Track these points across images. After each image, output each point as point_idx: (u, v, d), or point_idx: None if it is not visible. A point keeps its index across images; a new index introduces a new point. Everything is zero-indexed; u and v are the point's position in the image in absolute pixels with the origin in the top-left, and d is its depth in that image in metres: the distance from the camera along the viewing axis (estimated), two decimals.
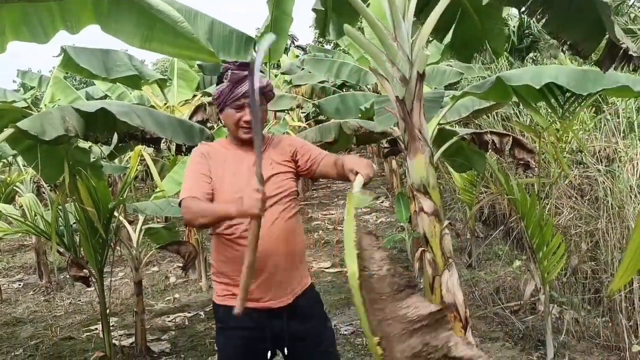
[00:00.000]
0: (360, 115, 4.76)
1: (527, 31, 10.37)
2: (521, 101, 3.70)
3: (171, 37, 2.76)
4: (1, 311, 6.03)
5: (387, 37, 2.51)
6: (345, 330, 4.48)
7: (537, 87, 3.17)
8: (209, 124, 5.86)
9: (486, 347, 3.88)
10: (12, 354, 4.73)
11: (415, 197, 2.55)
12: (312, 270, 6.49)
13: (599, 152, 5.08)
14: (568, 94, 3.46)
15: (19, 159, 6.54)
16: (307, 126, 9.71)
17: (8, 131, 2.76)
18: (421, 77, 2.49)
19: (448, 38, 3.72)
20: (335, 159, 2.18)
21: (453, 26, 3.36)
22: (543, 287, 3.33)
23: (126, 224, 4.55)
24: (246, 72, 2.08)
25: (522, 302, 4.13)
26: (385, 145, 6.44)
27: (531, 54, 10.46)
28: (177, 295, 6.08)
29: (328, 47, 18.21)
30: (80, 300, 6.24)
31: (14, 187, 6.41)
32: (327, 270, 6.49)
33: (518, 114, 7.40)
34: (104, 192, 3.51)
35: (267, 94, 2.18)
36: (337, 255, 7.07)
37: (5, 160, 7.40)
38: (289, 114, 8.64)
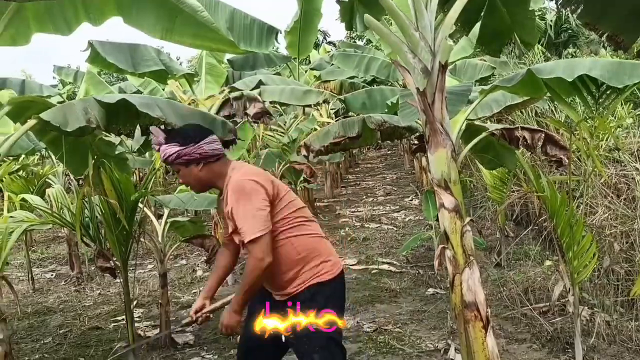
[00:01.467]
0: (387, 110, 4.69)
1: (564, 25, 10.09)
2: (553, 95, 3.56)
3: (192, 28, 2.75)
4: (33, 300, 6.17)
5: (409, 26, 2.44)
6: (368, 328, 4.43)
7: (570, 80, 3.05)
8: (235, 119, 5.87)
9: (512, 348, 3.77)
10: (42, 342, 4.82)
11: (436, 192, 2.47)
12: None
13: (638, 150, 4.89)
14: (603, 88, 3.32)
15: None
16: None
17: (31, 122, 2.80)
18: (443, 68, 2.41)
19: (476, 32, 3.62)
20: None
21: (480, 18, 3.26)
22: (572, 288, 3.21)
23: (152, 216, 4.58)
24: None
25: (550, 303, 4.00)
26: (414, 141, 6.37)
27: (569, 50, 10.17)
28: (202, 289, 6.09)
29: (360, 43, 18.09)
30: (109, 291, 6.34)
31: (47, 180, 6.54)
32: (352, 267, 6.43)
33: (553, 110, 7.20)
34: (127, 185, 3.53)
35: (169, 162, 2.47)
36: (364, 253, 7.01)
37: (39, 153, 7.58)
38: (317, 109, 8.59)
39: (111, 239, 3.79)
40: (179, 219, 5.07)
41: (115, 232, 3.71)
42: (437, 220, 6.05)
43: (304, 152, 3.75)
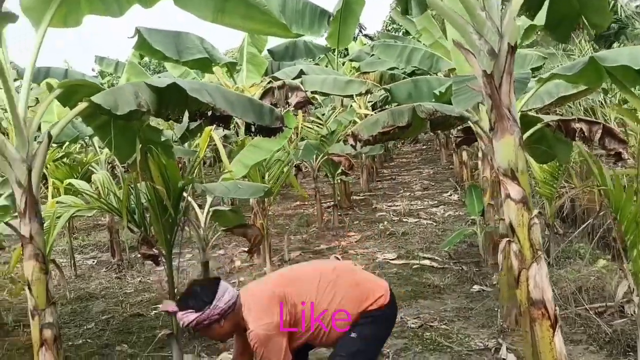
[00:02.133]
0: (434, 100, 4.53)
1: (614, 16, 9.70)
2: (616, 84, 3.37)
3: (243, 9, 2.67)
4: (76, 286, 6.24)
5: (475, 6, 2.31)
6: (413, 324, 4.30)
7: (636, 68, 2.86)
8: (277, 108, 5.80)
9: (568, 349, 3.59)
10: (85, 327, 4.86)
11: (502, 182, 2.33)
12: (376, 261, 6.34)
13: None
14: None
15: (95, 139, 6.72)
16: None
17: (82, 105, 2.77)
18: (512, 49, 2.27)
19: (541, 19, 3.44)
20: None
21: (546, 3, 3.08)
22: (637, 288, 3.03)
23: (194, 205, 4.55)
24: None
25: (608, 303, 3.81)
26: (458, 134, 6.19)
27: (619, 41, 9.78)
28: (242, 279, 6.08)
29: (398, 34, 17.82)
30: (149, 279, 6.37)
31: (90, 167, 6.60)
32: (392, 261, 6.31)
33: (604, 103, 6.92)
34: (174, 171, 3.50)
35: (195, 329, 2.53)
36: (403, 247, 6.87)
37: (82, 142, 7.67)
38: (355, 101, 8.47)
39: (156, 226, 3.77)
40: (220, 208, 5.04)
41: (161, 218, 3.68)
42: (482, 215, 5.91)
43: (351, 141, 3.63)
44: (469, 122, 4.29)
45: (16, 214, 5.00)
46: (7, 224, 2.86)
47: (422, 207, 9.66)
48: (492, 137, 2.36)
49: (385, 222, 8.22)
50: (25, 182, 2.53)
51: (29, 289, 2.53)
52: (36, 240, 2.53)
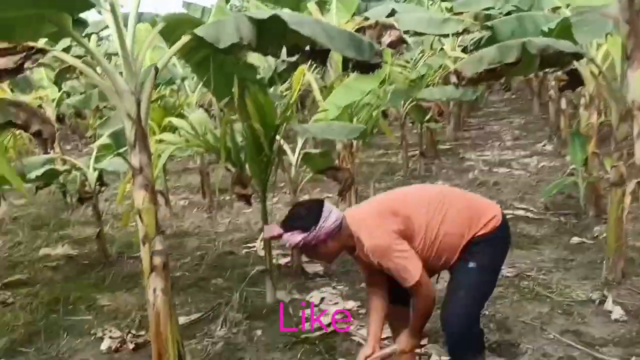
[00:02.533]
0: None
1: None
2: None
3: None
4: (171, 224, 6.53)
5: None
6: (509, 273, 4.16)
7: None
8: None
9: None
10: (182, 261, 5.09)
11: (635, 118, 2.12)
12: None
13: None
14: None
15: (187, 82, 6.87)
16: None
17: (185, 38, 2.77)
18: None
19: None
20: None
21: None
22: None
23: (286, 147, 4.55)
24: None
25: None
26: (563, 77, 5.77)
27: None
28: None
29: None
30: (238, 220, 6.56)
31: (182, 111, 6.76)
32: None
33: None
34: (270, 109, 3.49)
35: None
36: (495, 197, 6.62)
37: (174, 86, 7.87)
38: (446, 44, 8.07)
39: (252, 164, 3.81)
40: (311, 151, 5.03)
41: (257, 158, 3.71)
42: (585, 165, 5.55)
43: (453, 79, 3.45)
44: (576, 64, 3.99)
45: (117, 151, 5.26)
46: (120, 154, 2.96)
47: (513, 157, 9.25)
48: (628, 67, 2.13)
49: (476, 172, 7.95)
50: (135, 114, 2.59)
51: (140, 218, 2.63)
52: (145, 172, 2.61)
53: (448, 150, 10.36)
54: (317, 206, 2.44)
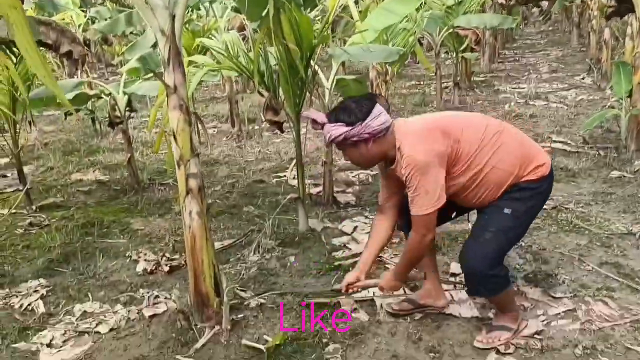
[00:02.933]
0: None
1: None
2: None
3: None
4: (201, 152, 6.50)
5: None
6: (546, 205, 4.04)
7: None
8: None
9: None
10: (213, 189, 5.09)
11: None
12: None
13: None
14: None
15: (215, 6, 6.66)
16: None
17: None
18: None
19: None
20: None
21: None
22: None
23: (320, 71, 4.41)
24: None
25: None
26: (611, 3, 5.43)
27: None
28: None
29: None
30: (268, 149, 6.51)
31: (210, 36, 6.60)
32: None
33: None
34: (307, 27, 3.32)
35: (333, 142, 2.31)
36: (531, 130, 6.42)
37: (200, 11, 7.66)
38: None
39: (285, 89, 3.70)
40: (345, 77, 4.88)
41: (291, 81, 3.59)
42: (629, 96, 5.30)
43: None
44: None
45: (146, 76, 5.17)
46: (154, 73, 2.87)
47: (550, 90, 8.93)
48: None
49: (512, 104, 7.69)
50: (169, 30, 2.48)
51: (175, 139, 2.57)
52: (180, 91, 2.53)
53: (483, 82, 10.04)
54: (368, 103, 2.27)
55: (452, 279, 3.06)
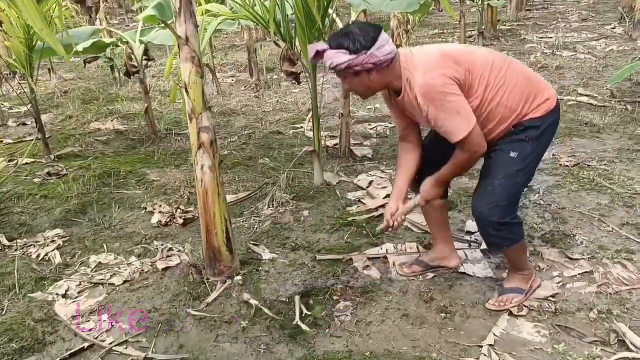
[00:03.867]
0: None
1: None
2: None
3: None
4: (219, 102, 6.46)
5: None
6: (567, 162, 3.96)
7: None
8: None
9: None
10: (229, 139, 5.06)
11: None
12: None
13: None
14: None
15: None
16: None
17: None
18: None
19: None
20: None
21: None
22: None
23: (338, 20, 4.27)
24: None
25: None
26: None
27: None
28: (377, 105, 5.92)
29: None
30: (286, 99, 6.42)
31: None
32: None
33: None
34: None
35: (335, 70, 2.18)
36: (557, 82, 6.22)
37: None
38: None
39: (302, 38, 3.59)
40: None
41: (308, 31, 3.47)
42: None
43: None
44: None
45: (162, 25, 5.06)
46: (165, 23, 2.79)
47: (579, 39, 8.59)
48: None
49: (538, 54, 7.43)
50: None
51: (186, 91, 2.52)
52: (192, 42, 2.46)
53: (508, 31, 9.69)
54: (373, 30, 2.12)
55: (467, 237, 3.02)
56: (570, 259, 2.74)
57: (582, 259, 2.73)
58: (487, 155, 2.31)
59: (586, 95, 5.58)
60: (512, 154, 2.24)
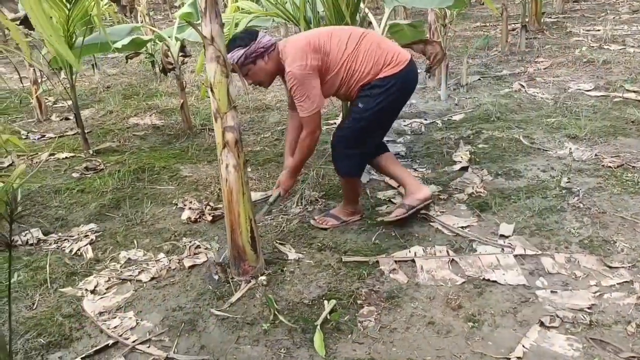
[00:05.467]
0: None
1: None
2: None
3: None
4: (254, 97, 6.47)
5: None
6: (610, 162, 3.77)
7: None
8: None
9: None
10: (262, 135, 5.06)
11: None
12: (568, 91, 5.62)
13: None
14: None
15: None
16: None
17: None
18: None
19: None
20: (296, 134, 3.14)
21: None
22: None
23: (371, 17, 4.19)
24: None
25: None
26: None
27: None
28: (413, 101, 5.81)
29: None
30: None
31: None
32: (588, 93, 5.53)
33: None
34: None
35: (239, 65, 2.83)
36: (603, 78, 5.96)
37: None
38: None
39: None
40: (399, 21, 4.62)
41: None
42: None
43: None
44: None
45: (198, 21, 5.10)
46: (189, 22, 2.80)
47: (629, 32, 8.22)
48: None
49: (584, 48, 7.14)
50: None
51: (212, 91, 2.51)
52: (217, 42, 2.44)
53: (554, 24, 9.37)
54: (252, 30, 2.92)
55: (500, 241, 2.91)
56: (609, 267, 2.61)
57: (622, 267, 2.59)
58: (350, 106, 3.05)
59: (634, 92, 5.33)
60: (360, 105, 2.89)
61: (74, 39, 4.62)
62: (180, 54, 5.28)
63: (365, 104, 2.87)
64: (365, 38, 2.86)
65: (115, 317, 2.47)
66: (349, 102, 3.21)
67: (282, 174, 3.10)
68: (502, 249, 2.82)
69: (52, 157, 4.82)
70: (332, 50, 2.81)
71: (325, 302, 2.45)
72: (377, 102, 2.85)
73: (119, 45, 4.77)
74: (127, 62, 8.18)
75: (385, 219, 3.11)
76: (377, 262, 2.76)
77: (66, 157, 4.79)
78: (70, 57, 1.41)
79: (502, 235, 2.96)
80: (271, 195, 3.15)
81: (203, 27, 2.46)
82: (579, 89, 5.68)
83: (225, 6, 6.37)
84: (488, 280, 2.56)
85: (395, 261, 2.76)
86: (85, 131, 4.97)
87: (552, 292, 2.45)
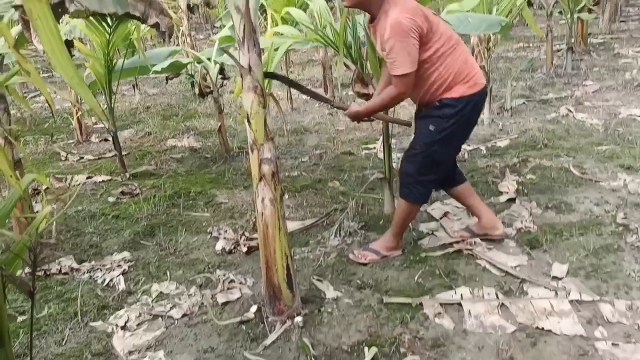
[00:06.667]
0: None
1: None
2: None
3: None
4: (292, 119, 6.40)
5: None
6: None
7: None
8: None
9: None
10: (300, 160, 4.96)
11: None
12: (619, 117, 5.35)
13: None
14: None
15: None
16: None
17: None
18: None
19: None
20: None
21: None
22: None
23: None
24: None
25: None
26: None
27: None
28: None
29: None
30: None
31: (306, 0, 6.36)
32: (639, 118, 5.26)
33: None
34: None
35: None
36: None
37: None
38: None
39: (372, 61, 3.42)
40: None
41: (378, 54, 3.29)
42: None
43: None
44: None
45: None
46: (226, 52, 2.72)
47: None
48: None
49: (634, 71, 6.84)
50: (244, 6, 2.29)
51: (248, 122, 2.42)
52: (255, 72, 2.35)
53: (600, 45, 9.06)
54: None
55: (553, 282, 2.71)
56: None
57: None
58: (416, 125, 2.93)
59: None
60: (431, 128, 2.77)
61: (114, 62, 4.64)
62: (219, 76, 5.25)
63: (437, 125, 2.74)
64: (460, 45, 2.75)
65: (145, 358, 2.37)
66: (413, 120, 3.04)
67: (359, 102, 2.97)
68: (556, 293, 2.62)
69: (89, 179, 4.83)
70: (437, 31, 2.63)
71: (366, 348, 2.30)
72: (450, 124, 2.73)
73: (158, 68, 4.77)
74: (167, 82, 8.27)
75: (452, 234, 3.22)
76: (421, 304, 2.59)
77: (103, 181, 4.78)
78: (92, 102, 1.33)
79: (554, 277, 2.76)
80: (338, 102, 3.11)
81: (241, 56, 2.38)
82: (631, 115, 5.41)
83: (265, 29, 6.35)
84: (542, 329, 2.36)
85: (441, 304, 2.58)
86: (123, 153, 4.97)
87: (613, 344, 2.24)
